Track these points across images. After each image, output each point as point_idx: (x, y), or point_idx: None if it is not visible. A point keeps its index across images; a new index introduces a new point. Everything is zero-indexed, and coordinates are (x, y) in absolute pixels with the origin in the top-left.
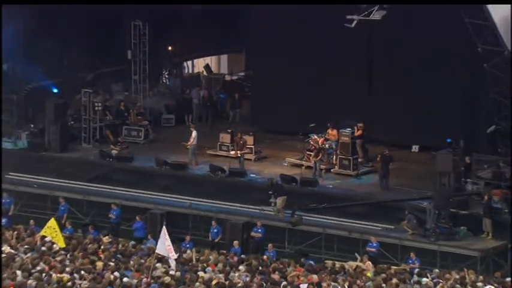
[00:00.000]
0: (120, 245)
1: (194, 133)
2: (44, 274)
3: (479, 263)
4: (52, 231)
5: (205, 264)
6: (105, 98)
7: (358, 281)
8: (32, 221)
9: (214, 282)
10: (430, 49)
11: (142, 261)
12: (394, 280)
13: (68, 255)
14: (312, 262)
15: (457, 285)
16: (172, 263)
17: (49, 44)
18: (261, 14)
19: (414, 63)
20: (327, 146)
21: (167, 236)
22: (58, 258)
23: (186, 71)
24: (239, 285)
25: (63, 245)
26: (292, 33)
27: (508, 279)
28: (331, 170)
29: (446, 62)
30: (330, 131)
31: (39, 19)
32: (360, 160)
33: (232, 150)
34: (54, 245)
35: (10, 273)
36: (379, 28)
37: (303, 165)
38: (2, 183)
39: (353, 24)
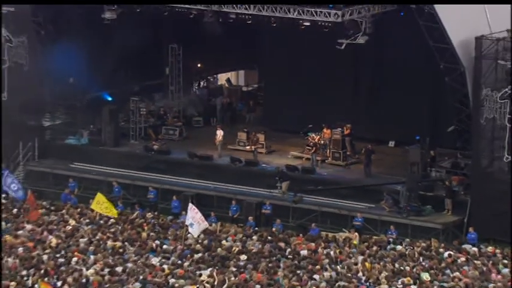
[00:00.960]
0: (160, 220)
1: (220, 132)
2: (101, 242)
3: (441, 234)
4: (103, 205)
5: (226, 235)
6: (149, 104)
7: (346, 248)
8: (91, 201)
9: (233, 249)
10: (403, 66)
11: (178, 232)
12: (375, 247)
13: (120, 228)
14: (317, 230)
15: (424, 251)
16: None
17: (105, 63)
18: (271, 40)
19: (391, 77)
20: (322, 142)
21: (196, 210)
22: (112, 230)
23: (212, 83)
24: (253, 251)
25: (116, 212)
26: (294, 53)
27: (464, 246)
28: (326, 161)
29: (416, 76)
30: (324, 130)
31: (98, 43)
32: (348, 153)
33: (247, 145)
34: (110, 220)
35: (74, 241)
36: (362, 50)
37: (303, 157)
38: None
39: (342, 47)
